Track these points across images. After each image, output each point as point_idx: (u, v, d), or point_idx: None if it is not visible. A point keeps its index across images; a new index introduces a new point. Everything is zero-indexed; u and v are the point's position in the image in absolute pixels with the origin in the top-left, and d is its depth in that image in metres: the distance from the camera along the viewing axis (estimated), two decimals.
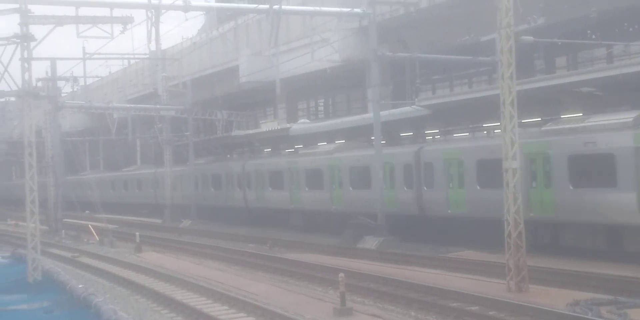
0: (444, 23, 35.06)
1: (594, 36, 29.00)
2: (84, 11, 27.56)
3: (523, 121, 24.66)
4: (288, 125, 42.86)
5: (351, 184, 33.53)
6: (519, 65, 19.15)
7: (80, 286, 20.97)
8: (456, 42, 30.94)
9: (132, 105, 54.82)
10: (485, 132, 31.23)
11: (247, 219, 43.06)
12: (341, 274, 17.35)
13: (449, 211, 27.84)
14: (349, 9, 33.43)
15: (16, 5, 24.09)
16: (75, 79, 50.07)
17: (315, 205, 36.10)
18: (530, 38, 25.13)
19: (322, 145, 37.88)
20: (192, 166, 48.39)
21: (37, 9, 24.40)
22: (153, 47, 43.92)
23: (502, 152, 18.94)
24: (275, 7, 31.62)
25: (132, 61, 61.03)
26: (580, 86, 25.18)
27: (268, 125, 47.71)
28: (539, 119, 27.02)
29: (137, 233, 35.57)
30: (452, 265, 23.18)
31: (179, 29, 73.43)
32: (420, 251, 27.09)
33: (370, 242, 29.15)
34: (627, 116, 21.97)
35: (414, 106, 31.07)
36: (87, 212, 54.94)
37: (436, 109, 30.02)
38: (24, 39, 23.50)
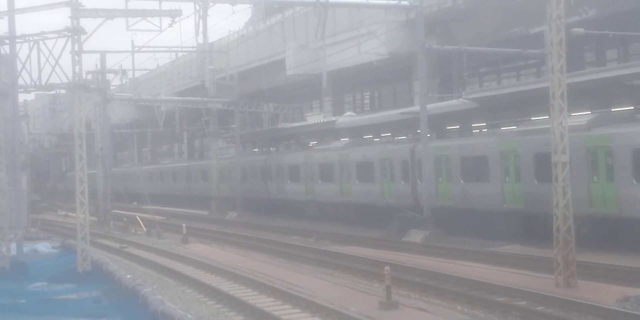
0: (492, 15, 34.72)
1: None
2: (133, 4, 27.82)
3: (573, 114, 24.31)
4: (334, 118, 42.82)
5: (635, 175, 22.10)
6: (568, 58, 18.89)
7: (128, 276, 21.24)
8: (504, 34, 30.63)
9: (180, 97, 55.26)
10: None
11: (421, 223, 30.12)
12: (387, 267, 17.29)
13: None
14: (396, 2, 33.25)
15: None
16: (124, 72, 50.65)
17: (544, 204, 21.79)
18: (581, 30, 24.80)
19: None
20: (238, 158, 48.58)
21: (87, 3, 24.69)
22: (201, 40, 44.41)
23: (552, 146, 18.71)
24: None
25: (180, 54, 61.48)
26: (632, 79, 24.75)
27: (314, 118, 47.70)
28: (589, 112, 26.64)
29: (184, 225, 35.88)
30: (499, 260, 22.96)
31: (226, 22, 73.74)
32: (466, 245, 26.91)
33: (416, 236, 29.03)
34: None
35: (461, 99, 30.83)
36: (134, 203, 55.59)
37: (483, 102, 29.75)
38: (75, 32, 23.81)
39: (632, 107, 25.50)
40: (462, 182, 28.87)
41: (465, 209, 28.82)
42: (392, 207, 32.62)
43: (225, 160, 52.83)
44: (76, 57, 23.87)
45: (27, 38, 25.22)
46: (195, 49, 51.60)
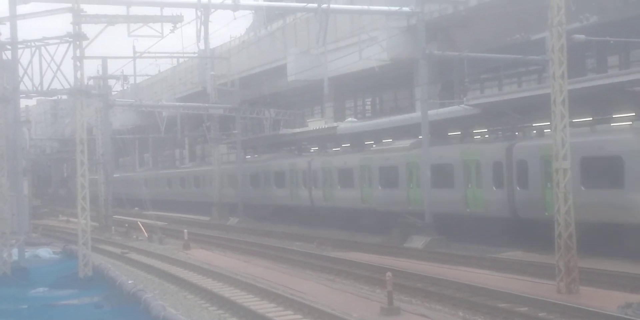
0: (494, 21, 34.76)
1: None
2: (135, 10, 27.93)
3: (574, 121, 24.32)
4: (335, 124, 42.85)
5: None
6: (569, 64, 18.91)
7: (129, 282, 21.23)
8: (506, 40, 30.67)
9: (181, 103, 55.36)
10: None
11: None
12: (388, 273, 17.29)
13: None
14: (397, 8, 33.33)
15: (69, 5, 24.47)
16: (125, 78, 50.83)
17: None
18: (582, 37, 24.84)
19: None
20: (239, 164, 48.57)
21: (89, 9, 24.76)
22: (202, 46, 44.53)
23: (553, 152, 18.73)
24: (324, 5, 31.65)
25: (182, 60, 61.67)
26: (633, 86, 24.74)
27: (315, 124, 47.71)
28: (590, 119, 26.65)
29: (185, 230, 35.87)
30: (501, 266, 22.95)
31: (228, 28, 73.96)
32: (468, 251, 26.89)
33: (418, 242, 29.01)
34: None
35: (462, 105, 30.83)
36: (136, 208, 55.65)
37: (485, 108, 29.75)
38: (77, 37, 23.84)
39: (633, 114, 25.50)
40: (582, 188, 23.41)
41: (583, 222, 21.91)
42: (478, 219, 27.83)
43: (255, 164, 47.56)
44: (78, 63, 23.90)
45: (29, 44, 25.26)
46: (196, 54, 51.75)
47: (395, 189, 32.67)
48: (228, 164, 52.96)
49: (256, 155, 52.46)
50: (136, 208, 56.98)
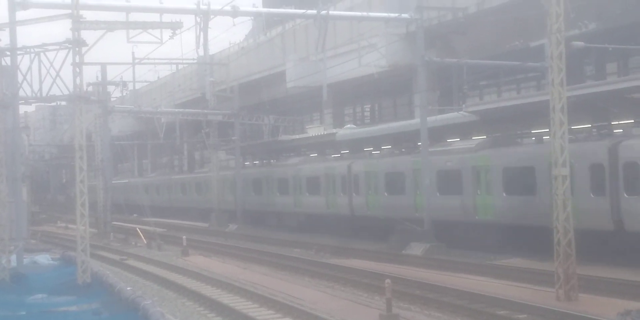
0: (493, 29, 34.81)
1: None
2: (134, 17, 27.99)
3: (573, 128, 24.31)
4: (334, 130, 42.86)
5: None
6: (568, 71, 18.94)
7: (128, 289, 21.18)
8: (505, 47, 30.75)
9: (180, 109, 55.37)
10: None
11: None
12: (387, 280, 17.25)
13: None
14: (396, 15, 33.40)
15: (68, 11, 24.50)
16: (124, 84, 50.84)
17: None
18: (581, 44, 24.90)
19: None
20: (238, 171, 48.53)
21: (88, 15, 24.82)
22: (201, 52, 44.58)
23: (552, 159, 18.74)
24: (323, 12, 31.77)
25: (181, 66, 61.65)
26: (632, 93, 24.77)
27: (314, 131, 47.65)
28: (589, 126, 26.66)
29: (184, 237, 35.84)
30: (500, 273, 22.93)
31: (227, 34, 74.04)
32: (467, 258, 26.85)
33: (417, 248, 28.97)
34: None
35: (461, 112, 30.86)
36: (134, 215, 55.56)
37: (484, 115, 29.78)
38: (76, 44, 23.85)
39: (632, 120, 25.52)
40: None
41: None
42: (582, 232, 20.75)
43: (281, 168, 43.45)
44: (77, 69, 23.88)
45: (28, 50, 25.27)
46: (195, 61, 51.79)
47: (458, 195, 28.85)
48: (253, 169, 49.78)
49: (258, 161, 52.10)
50: (135, 214, 56.90)
